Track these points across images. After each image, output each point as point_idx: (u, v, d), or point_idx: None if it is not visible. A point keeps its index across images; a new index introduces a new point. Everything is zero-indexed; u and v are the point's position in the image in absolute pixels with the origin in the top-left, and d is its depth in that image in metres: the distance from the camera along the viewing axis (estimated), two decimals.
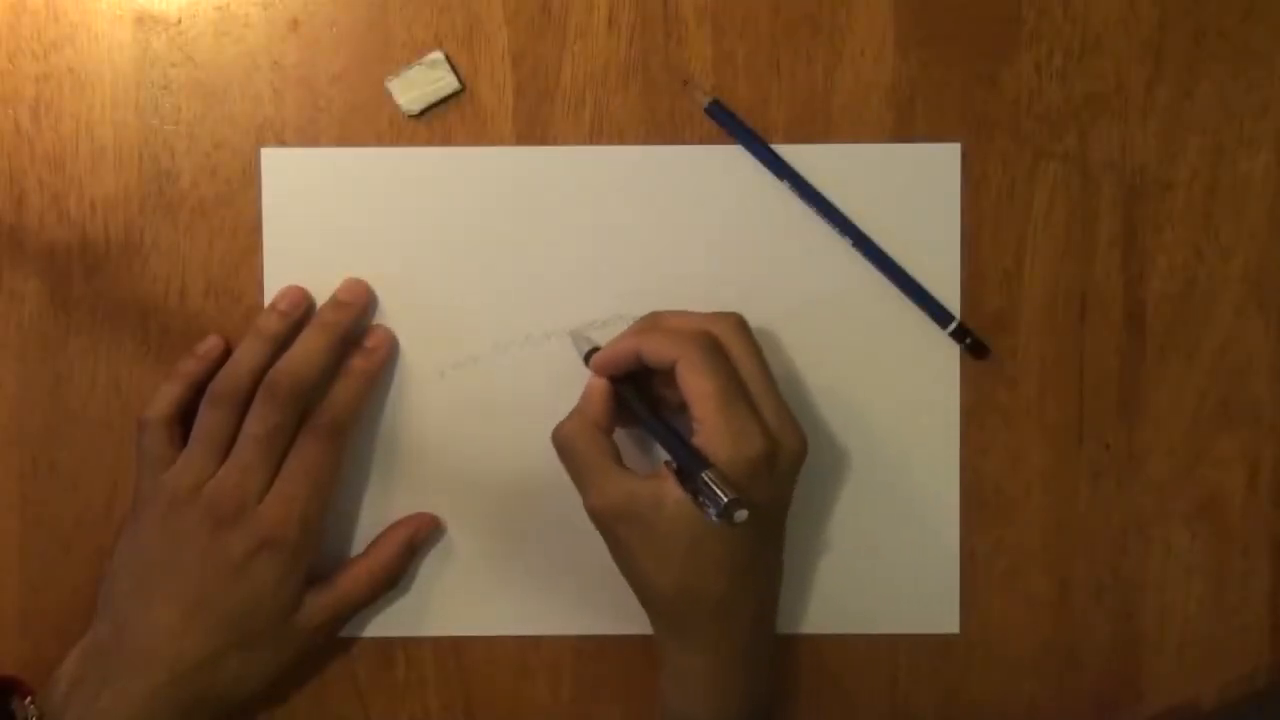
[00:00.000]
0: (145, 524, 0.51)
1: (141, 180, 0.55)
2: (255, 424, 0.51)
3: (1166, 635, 0.56)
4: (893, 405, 0.55)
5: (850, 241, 0.54)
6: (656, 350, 0.49)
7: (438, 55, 0.53)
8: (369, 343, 0.54)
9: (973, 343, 0.55)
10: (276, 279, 0.54)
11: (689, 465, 0.47)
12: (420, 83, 0.54)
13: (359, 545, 0.55)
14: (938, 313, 0.54)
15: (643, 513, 0.48)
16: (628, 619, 0.53)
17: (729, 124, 0.54)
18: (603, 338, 0.53)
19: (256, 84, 0.55)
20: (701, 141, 0.55)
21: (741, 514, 0.45)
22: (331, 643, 0.55)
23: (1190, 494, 0.56)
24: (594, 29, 0.54)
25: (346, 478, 0.55)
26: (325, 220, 0.55)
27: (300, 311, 0.54)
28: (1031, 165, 0.55)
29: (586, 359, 0.52)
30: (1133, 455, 0.56)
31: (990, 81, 0.55)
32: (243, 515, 0.51)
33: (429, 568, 0.55)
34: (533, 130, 0.55)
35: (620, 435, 0.52)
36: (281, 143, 0.54)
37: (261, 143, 0.54)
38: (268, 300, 0.54)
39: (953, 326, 0.54)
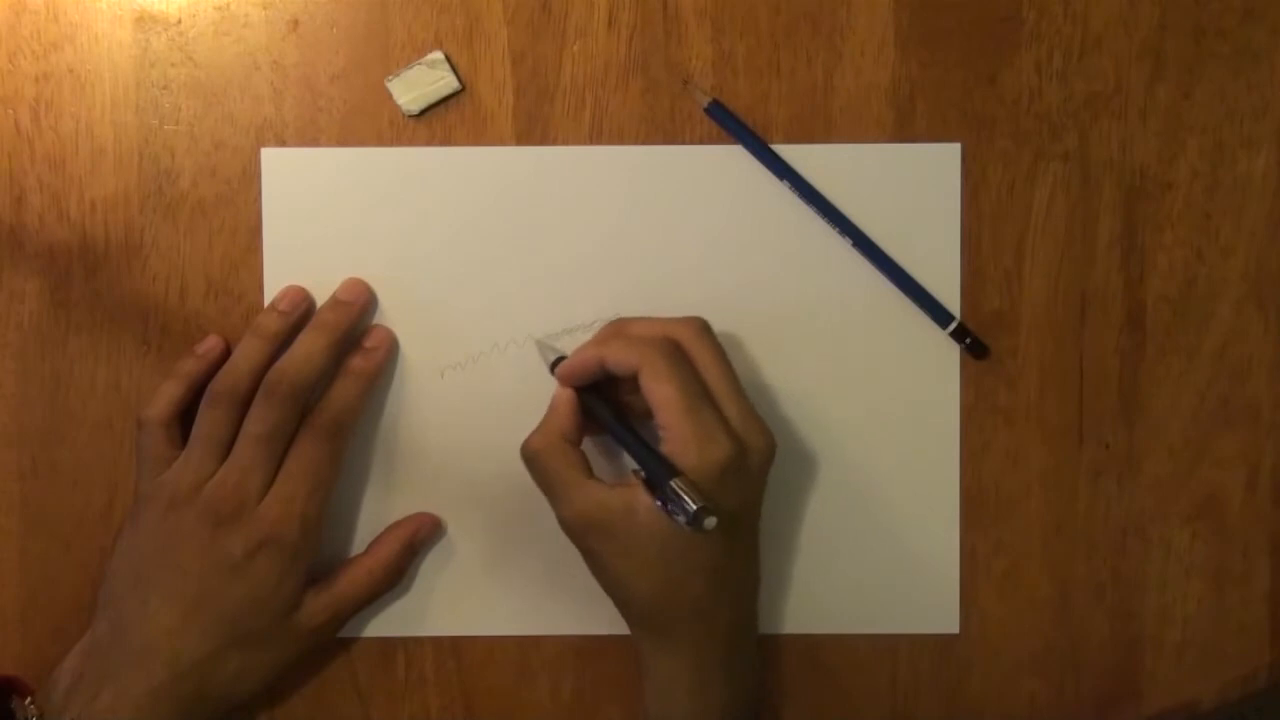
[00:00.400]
0: (145, 523, 0.51)
1: (141, 180, 0.55)
2: (255, 424, 0.51)
3: (1166, 635, 0.56)
4: (892, 405, 0.55)
5: (850, 242, 0.54)
6: (619, 358, 0.49)
7: (438, 55, 0.53)
8: (368, 343, 0.54)
9: (972, 343, 0.55)
10: (276, 278, 0.54)
11: (657, 474, 0.47)
12: (420, 83, 0.54)
13: (359, 544, 0.55)
14: (937, 313, 0.54)
15: (614, 522, 0.49)
16: None
17: (729, 124, 0.54)
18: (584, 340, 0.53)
19: (256, 84, 0.55)
20: (701, 141, 0.55)
21: (711, 520, 0.45)
22: (331, 642, 0.55)
23: (1190, 494, 0.56)
24: (594, 29, 0.54)
25: (346, 477, 0.55)
26: (325, 220, 0.55)
27: (300, 311, 0.54)
28: (1031, 165, 0.55)
29: (552, 368, 0.52)
30: (1133, 455, 0.56)
31: (990, 81, 0.55)
32: (242, 514, 0.51)
33: (429, 567, 0.55)
34: (532, 130, 0.55)
35: (590, 445, 0.52)
36: (281, 143, 0.54)
37: (261, 143, 0.54)
38: (268, 300, 0.54)
39: (953, 326, 0.54)
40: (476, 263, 0.55)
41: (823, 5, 0.55)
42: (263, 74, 0.55)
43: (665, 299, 0.54)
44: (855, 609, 0.56)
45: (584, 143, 0.55)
